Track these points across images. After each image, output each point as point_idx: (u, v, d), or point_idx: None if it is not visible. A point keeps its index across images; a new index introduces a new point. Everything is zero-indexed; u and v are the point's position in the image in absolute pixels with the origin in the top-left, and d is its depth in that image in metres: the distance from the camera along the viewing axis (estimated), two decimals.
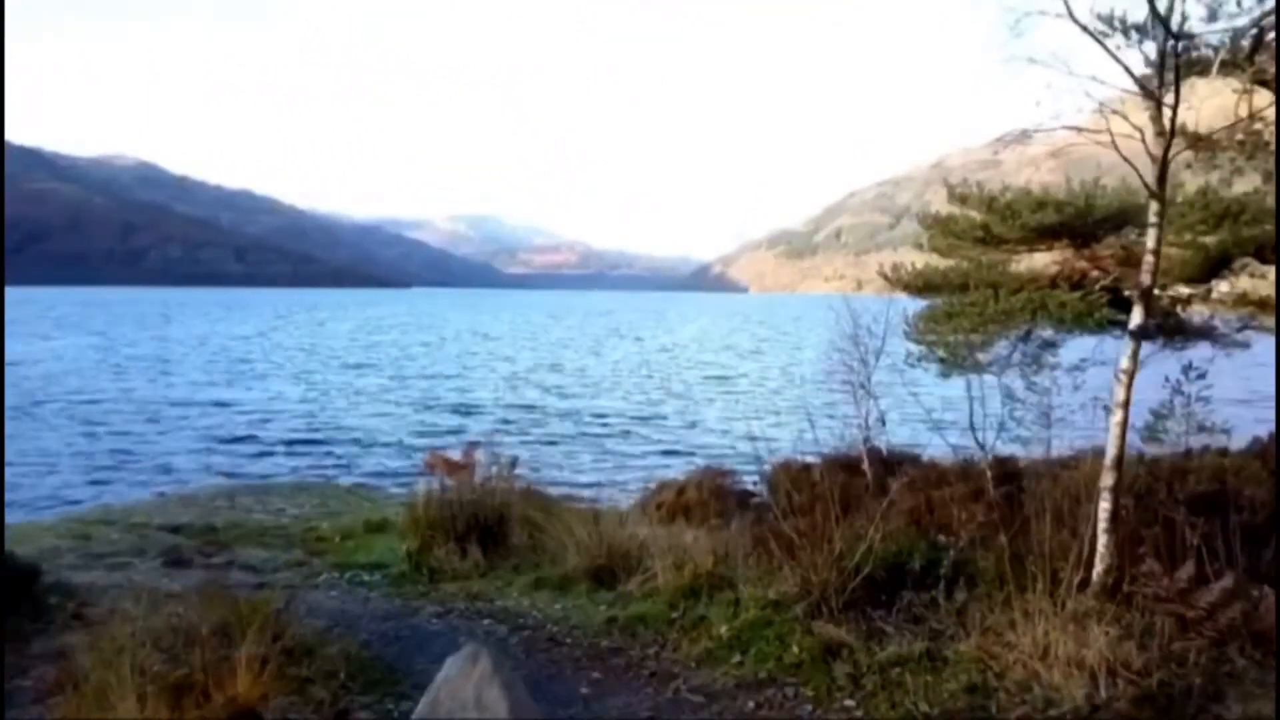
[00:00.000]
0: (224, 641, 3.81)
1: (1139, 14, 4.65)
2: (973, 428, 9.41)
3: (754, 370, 39.19)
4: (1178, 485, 6.77)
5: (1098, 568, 4.39)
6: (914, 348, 9.77)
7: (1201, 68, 4.89)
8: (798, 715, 3.68)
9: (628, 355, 48.75)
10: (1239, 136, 5.70)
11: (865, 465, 9.94)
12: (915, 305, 9.93)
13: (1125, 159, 4.40)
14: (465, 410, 25.51)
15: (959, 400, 11.46)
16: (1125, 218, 8.81)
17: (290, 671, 3.75)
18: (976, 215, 9.26)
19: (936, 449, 11.40)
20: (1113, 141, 4.33)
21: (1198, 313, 9.36)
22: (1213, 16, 4.88)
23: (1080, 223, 8.83)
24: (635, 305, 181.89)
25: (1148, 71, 4.73)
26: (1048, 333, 9.36)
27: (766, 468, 9.98)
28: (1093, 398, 8.76)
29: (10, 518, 8.97)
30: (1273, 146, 5.23)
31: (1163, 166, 4.40)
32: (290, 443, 19.09)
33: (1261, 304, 8.80)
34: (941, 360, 9.53)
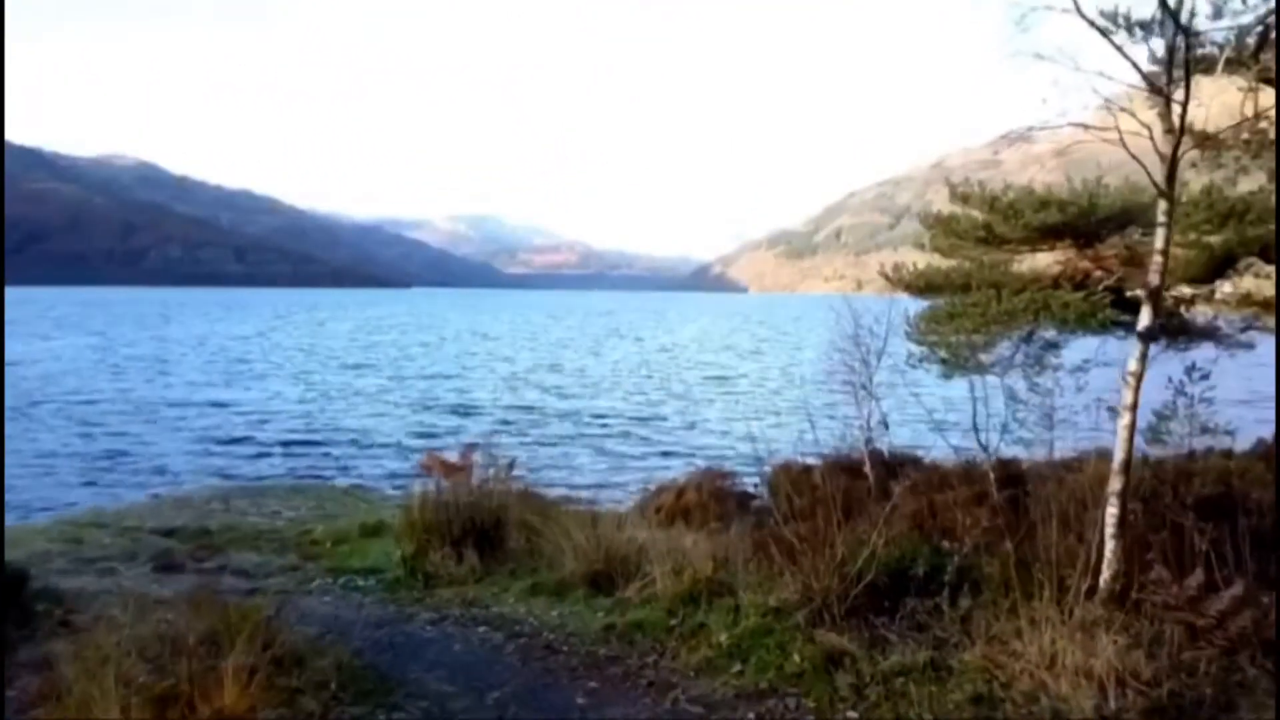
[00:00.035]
0: (212, 650, 3.72)
1: (1143, 10, 4.58)
2: (975, 429, 9.34)
3: (754, 371, 39.11)
4: (1183, 488, 6.68)
5: (1105, 574, 4.31)
6: (915, 348, 9.70)
7: (1207, 65, 4.81)
8: None
9: (627, 355, 48.67)
10: (1244, 135, 5.63)
11: (867, 468, 9.86)
12: (916, 305, 9.85)
13: (1134, 156, 4.32)
14: (464, 411, 25.42)
15: (961, 401, 11.39)
16: (1129, 217, 8.73)
17: (280, 682, 3.66)
18: (978, 215, 9.18)
19: (939, 451, 11.32)
20: (1120, 139, 4.24)
21: (1201, 313, 9.29)
22: (1218, 14, 4.80)
23: (1083, 222, 8.75)
24: (635, 305, 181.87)
25: (1154, 68, 4.65)
26: (1050, 333, 9.28)
27: (767, 469, 9.91)
28: (1096, 399, 8.69)
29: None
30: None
31: (1172, 165, 4.32)
32: (287, 444, 18.99)
33: (1265, 304, 8.72)
34: (943, 361, 9.45)
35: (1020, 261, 9.44)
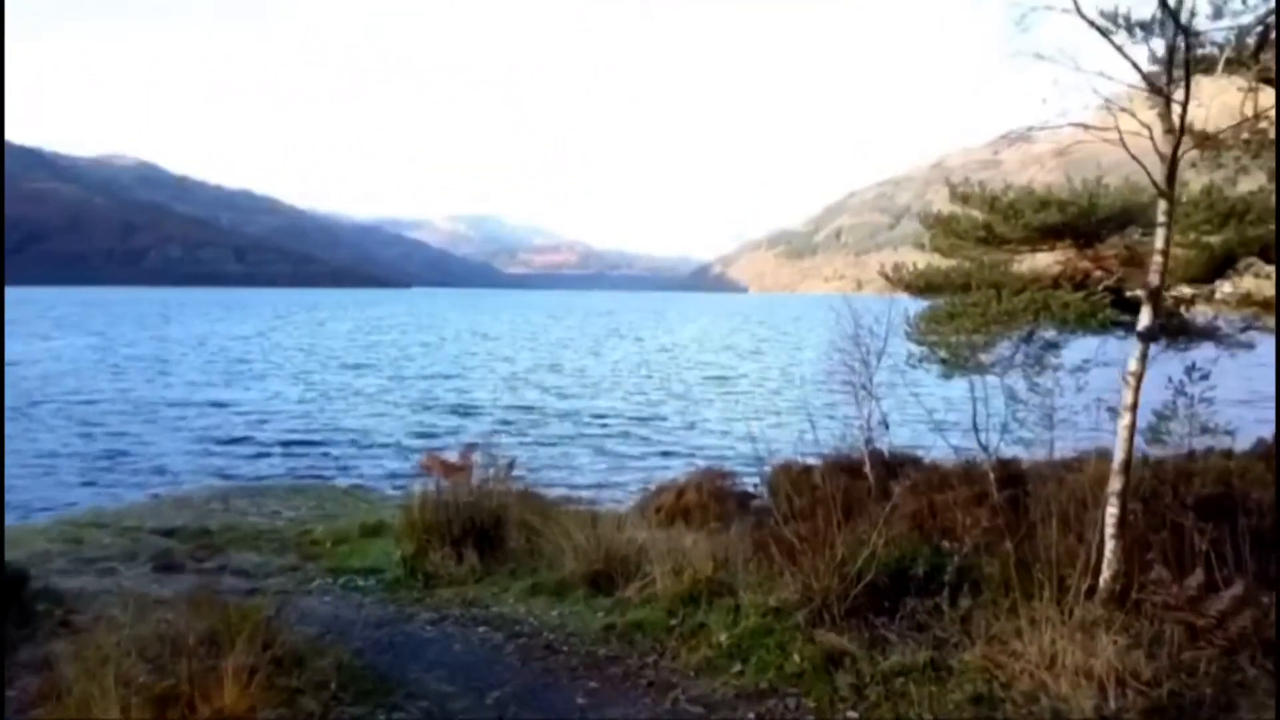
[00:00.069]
0: (212, 651, 3.71)
1: (1143, 11, 4.58)
2: (976, 429, 9.34)
3: (754, 371, 39.11)
4: (1183, 488, 6.68)
5: (1105, 574, 4.31)
6: (915, 348, 9.70)
7: (1207, 65, 4.81)
8: None
9: (627, 355, 48.66)
10: (1244, 135, 5.63)
11: (867, 468, 9.86)
12: (916, 305, 9.85)
13: (1134, 156, 4.31)
14: (464, 411, 25.42)
15: (961, 401, 11.39)
16: (1129, 217, 8.73)
17: (279, 682, 3.65)
18: (979, 215, 9.18)
19: (939, 451, 11.31)
20: (1121, 139, 4.24)
21: (1201, 313, 9.29)
22: (1218, 14, 4.80)
23: (1083, 222, 8.76)
24: (635, 305, 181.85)
25: (1154, 69, 4.65)
26: (1050, 333, 9.29)
27: (767, 469, 9.91)
28: (1096, 399, 8.69)
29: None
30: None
31: (1172, 165, 4.32)
32: (287, 444, 18.98)
33: (1266, 304, 8.72)
34: (943, 361, 9.45)
35: (1020, 261, 9.44)
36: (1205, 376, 9.14)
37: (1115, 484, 4.38)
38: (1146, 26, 4.72)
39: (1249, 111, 4.93)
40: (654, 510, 9.77)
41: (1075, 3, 4.24)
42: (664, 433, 21.66)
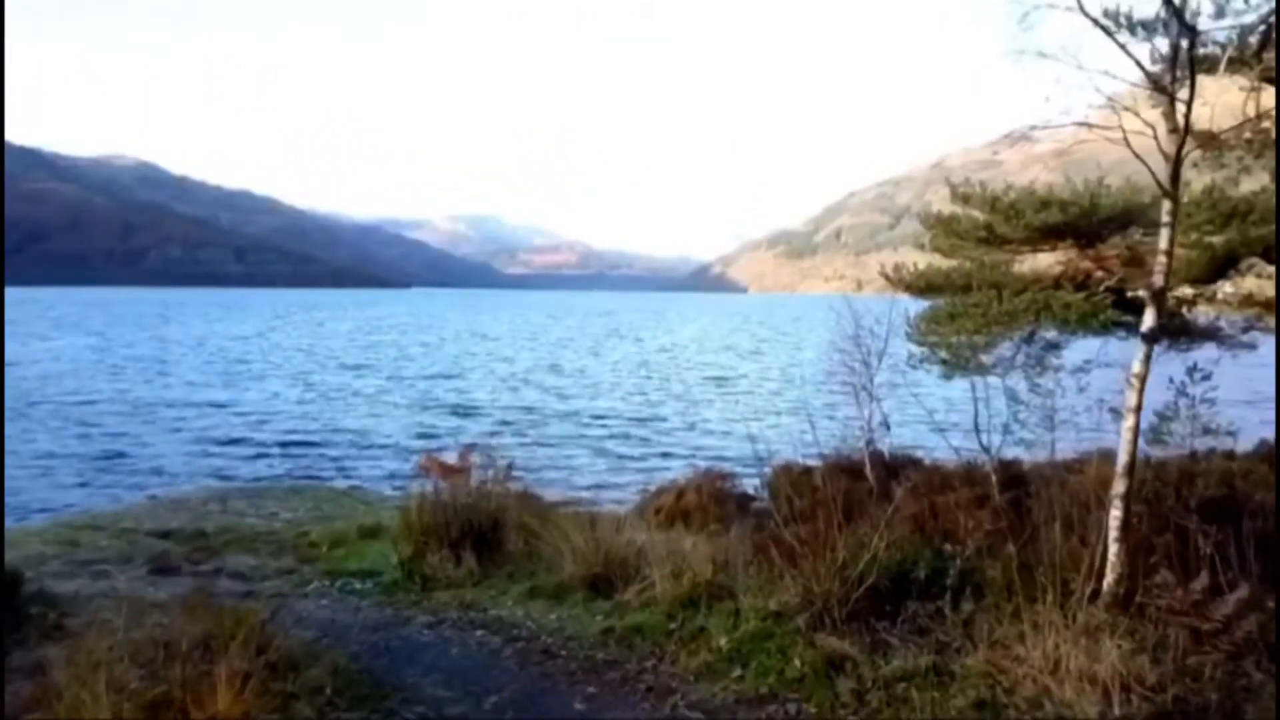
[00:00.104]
0: (206, 655, 3.67)
1: (1144, 10, 4.54)
2: (977, 430, 9.31)
3: (754, 371, 39.08)
4: (1186, 490, 6.64)
5: (1108, 578, 4.26)
6: (916, 349, 9.67)
7: (1209, 65, 4.78)
8: None
9: (627, 356, 48.64)
10: (1246, 135, 5.59)
11: (868, 469, 9.82)
12: (917, 306, 9.83)
13: (1137, 156, 4.27)
14: (463, 412, 25.38)
15: (961, 402, 11.35)
16: (1130, 217, 8.70)
17: (274, 687, 3.60)
18: (979, 215, 9.15)
19: (939, 451, 11.28)
20: (1125, 138, 4.20)
21: (1202, 313, 9.26)
22: (1220, 13, 4.76)
23: (1085, 222, 8.73)
24: (635, 305, 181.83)
25: (1157, 67, 4.61)
26: (1052, 334, 9.26)
27: (767, 471, 9.87)
28: (1098, 400, 8.66)
29: None
30: None
31: (1176, 164, 4.27)
32: (286, 444, 18.94)
33: (1267, 305, 8.69)
34: (944, 362, 9.42)
35: (1021, 262, 9.41)
36: (1207, 377, 9.12)
37: (1119, 486, 4.34)
38: (1149, 25, 4.69)
39: (1251, 111, 4.89)
40: (653, 512, 9.73)
41: (1079, 1, 4.20)
42: (664, 433, 21.62)
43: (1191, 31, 4.21)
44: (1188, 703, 3.48)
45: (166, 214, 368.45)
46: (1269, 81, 4.86)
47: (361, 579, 6.07)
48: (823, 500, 4.86)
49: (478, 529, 6.18)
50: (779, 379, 34.42)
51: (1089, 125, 4.39)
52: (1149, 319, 4.43)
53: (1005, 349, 9.23)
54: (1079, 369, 9.27)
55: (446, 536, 6.08)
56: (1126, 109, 4.33)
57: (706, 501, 10.01)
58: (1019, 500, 6.74)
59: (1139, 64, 4.33)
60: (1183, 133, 4.21)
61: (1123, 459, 4.36)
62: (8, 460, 15.23)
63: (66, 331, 60.01)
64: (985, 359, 9.18)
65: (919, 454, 11.68)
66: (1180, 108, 4.20)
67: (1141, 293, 7.42)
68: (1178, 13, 4.17)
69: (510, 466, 7.73)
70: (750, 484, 11.16)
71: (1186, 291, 8.87)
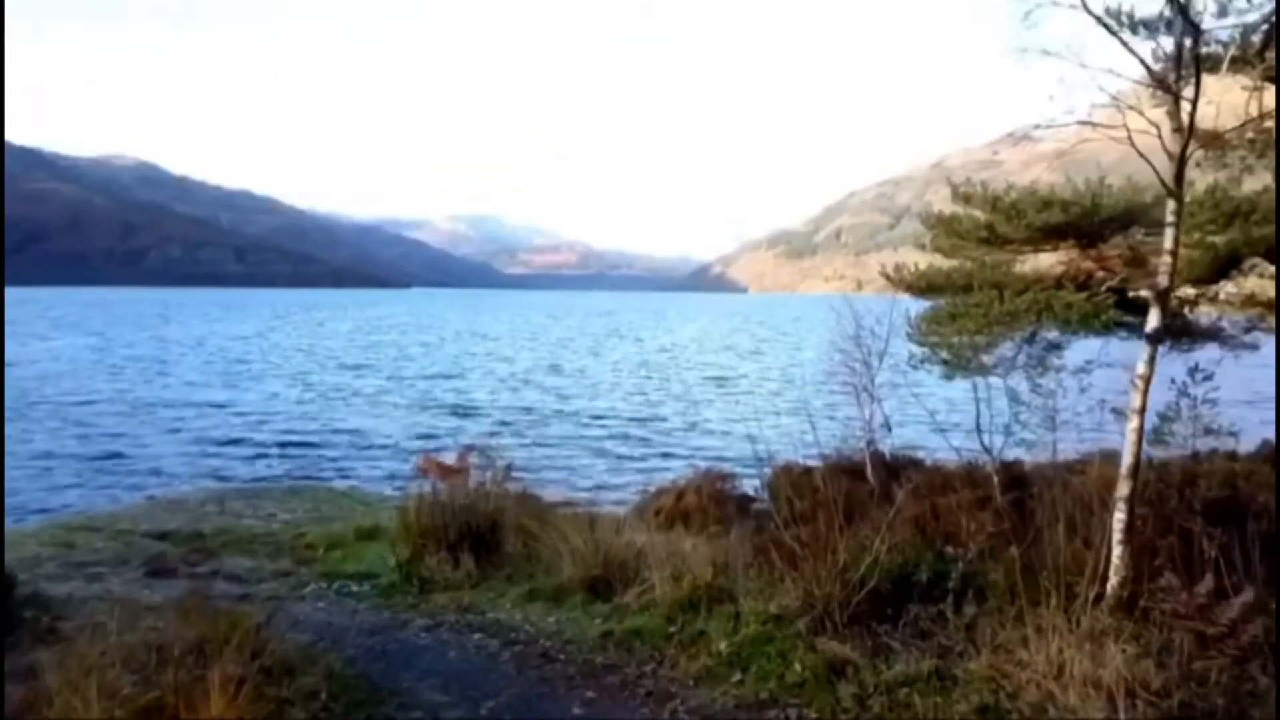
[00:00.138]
0: (200, 660, 3.62)
1: (1145, 9, 4.50)
2: (979, 431, 9.27)
3: (754, 371, 39.04)
4: (1189, 492, 6.60)
5: (1112, 581, 4.22)
6: (917, 349, 9.63)
7: (1212, 64, 4.73)
8: None
9: (627, 356, 48.59)
10: (1249, 134, 5.55)
11: (868, 470, 9.78)
12: (917, 306, 9.79)
13: (1141, 155, 4.23)
14: (463, 412, 25.33)
15: (962, 402, 11.31)
16: (1132, 217, 8.67)
17: (268, 692, 3.56)
18: (981, 215, 9.12)
19: (940, 452, 11.24)
20: (1129, 137, 4.16)
21: (1204, 314, 9.22)
22: (1223, 12, 4.72)
23: (1086, 222, 8.69)
24: (635, 305, 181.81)
25: (1159, 67, 4.57)
26: (1053, 334, 9.22)
27: (767, 471, 9.82)
28: (1100, 400, 8.62)
29: None
30: None
31: (1180, 164, 4.23)
32: (285, 445, 18.89)
33: (1269, 305, 8.65)
34: (945, 362, 9.38)
35: (1023, 262, 9.38)
36: (1209, 377, 9.08)
37: (1123, 489, 4.30)
38: (1151, 24, 4.64)
39: (1254, 110, 4.85)
40: (653, 513, 9.69)
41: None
42: (664, 434, 21.58)
43: (1196, 30, 4.17)
44: (1193, 708, 3.44)
45: (166, 214, 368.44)
46: (1271, 81, 4.82)
47: (359, 581, 6.04)
48: (823, 502, 4.82)
49: (476, 531, 6.14)
50: (779, 379, 34.39)
51: (1092, 124, 4.34)
52: (1153, 319, 4.38)
53: (1006, 349, 9.20)
54: (1080, 369, 9.24)
55: (445, 538, 6.05)
56: (1130, 108, 4.29)
57: (706, 503, 9.97)
58: (1021, 502, 6.70)
59: (1143, 62, 4.28)
60: (1187, 132, 4.17)
61: (1127, 461, 4.31)
62: (6, 460, 15.17)
63: (66, 331, 59.97)
64: (986, 359, 9.14)
65: (920, 454, 11.64)
66: (1185, 106, 4.16)
67: (1145, 293, 7.39)
68: (1183, 10, 4.13)
69: (509, 467, 7.70)
70: (750, 485, 11.12)
71: (1188, 292, 8.83)
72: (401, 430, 21.47)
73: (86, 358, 39.97)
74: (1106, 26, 4.31)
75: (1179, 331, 8.91)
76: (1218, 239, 8.24)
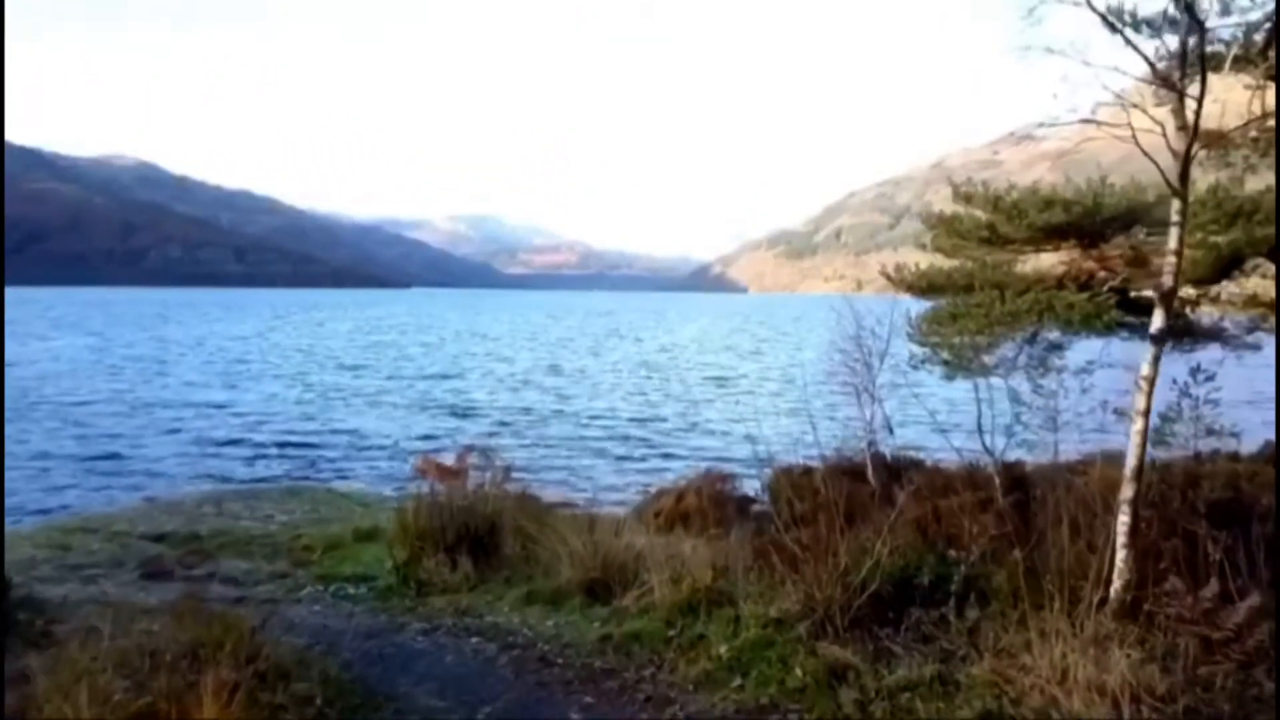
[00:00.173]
0: (193, 665, 3.58)
1: (1147, 7, 4.46)
2: (980, 432, 9.22)
3: (754, 371, 38.99)
4: (1192, 493, 6.55)
5: (1116, 584, 4.18)
6: (917, 349, 9.58)
7: (1215, 63, 4.69)
8: None
9: (627, 356, 48.54)
10: (1252, 134, 5.51)
11: (869, 471, 9.73)
12: (918, 306, 9.74)
13: (1146, 154, 4.19)
14: (462, 412, 25.28)
15: (963, 403, 11.27)
16: (1134, 217, 8.62)
17: (263, 698, 3.52)
18: (982, 215, 9.07)
19: (941, 453, 11.19)
20: (1133, 136, 4.11)
21: (1206, 314, 9.18)
22: (1226, 10, 4.68)
23: (1088, 222, 8.65)
24: (635, 305, 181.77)
25: (1163, 65, 4.53)
26: (1054, 335, 9.18)
27: (767, 472, 9.76)
28: (1102, 401, 8.58)
29: None
30: None
31: (1185, 163, 4.19)
32: (283, 445, 18.82)
33: (1271, 305, 8.61)
34: (946, 363, 9.33)
35: (1024, 262, 9.33)
36: (1211, 378, 9.03)
37: (1127, 491, 4.25)
38: (1154, 23, 4.60)
39: (1256, 109, 4.81)
40: (653, 515, 9.65)
41: None
42: (664, 434, 21.53)
43: (1201, 27, 4.12)
44: (1199, 713, 3.41)
45: (166, 214, 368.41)
46: (1273, 80, 4.78)
47: (356, 584, 6.00)
48: (824, 503, 4.79)
49: (474, 533, 6.10)
50: (779, 379, 34.32)
51: (1096, 122, 4.30)
52: (1158, 320, 4.34)
53: (1008, 349, 9.15)
54: (1082, 370, 9.19)
55: (442, 540, 6.01)
56: (1134, 106, 4.24)
57: (706, 504, 9.92)
58: (1023, 503, 6.66)
59: (1147, 60, 4.24)
60: (1192, 130, 4.13)
61: (1131, 463, 4.27)
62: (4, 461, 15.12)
63: (65, 331, 59.92)
64: (988, 359, 9.09)
65: (921, 455, 11.59)
66: (1190, 105, 4.12)
67: (1149, 293, 7.35)
68: (1189, 8, 4.09)
69: (508, 468, 7.65)
70: (751, 485, 11.07)
71: (1190, 292, 8.79)
72: (401, 431, 21.42)
73: (85, 358, 39.92)
74: (1110, 24, 4.26)
75: (1181, 332, 8.87)
76: (1220, 239, 8.20)
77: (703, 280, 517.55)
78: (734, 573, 4.94)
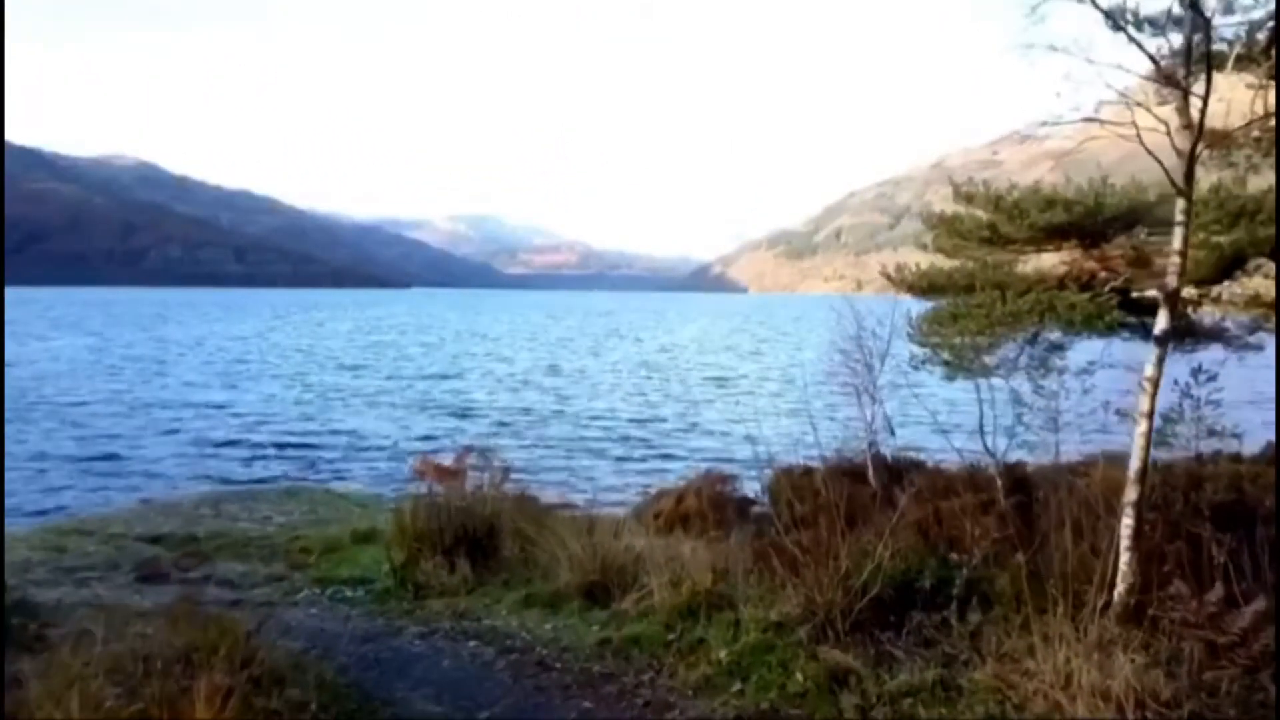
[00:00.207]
0: (187, 669, 3.54)
1: (1150, 6, 4.43)
2: (982, 433, 9.18)
3: (754, 371, 38.95)
4: (1195, 495, 6.50)
5: (1120, 588, 4.14)
6: (918, 350, 9.55)
7: (1218, 61, 4.66)
8: None
9: (627, 356, 48.50)
10: (1255, 133, 5.47)
11: (870, 473, 9.69)
12: (918, 306, 9.71)
13: (1150, 153, 4.15)
14: (462, 413, 25.24)
15: (964, 403, 11.23)
16: (1135, 217, 8.59)
17: (257, 703, 3.47)
18: (983, 215, 9.04)
19: (942, 454, 11.15)
20: (1138, 135, 4.07)
21: (1208, 314, 9.14)
22: (1229, 9, 4.65)
23: (1089, 222, 8.61)
24: (635, 305, 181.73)
25: (1167, 63, 4.49)
26: (1055, 335, 9.14)
27: (768, 473, 9.71)
28: (1104, 402, 8.54)
29: None
30: None
31: (1190, 162, 4.15)
32: (282, 446, 18.78)
33: (1273, 306, 8.57)
34: (947, 363, 9.30)
35: (1025, 262, 9.30)
36: (1212, 378, 8.99)
37: (1131, 493, 4.21)
38: (1156, 21, 4.56)
39: (1259, 109, 4.77)
40: (652, 516, 9.61)
41: None
42: (663, 435, 21.49)
43: (1207, 25, 4.09)
44: (1204, 719, 3.36)
45: (166, 214, 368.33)
46: (1274, 79, 4.75)
47: (353, 586, 5.95)
48: (824, 505, 4.74)
49: (472, 534, 6.06)
50: (779, 380, 34.28)
51: (1099, 121, 4.26)
52: (1162, 321, 4.30)
53: (1009, 350, 9.11)
54: (1083, 370, 9.15)
55: (440, 542, 5.96)
56: (1139, 104, 4.20)
57: (706, 506, 9.87)
58: (1025, 505, 6.61)
59: (1151, 58, 4.20)
60: (1197, 129, 4.09)
61: (1135, 465, 4.23)
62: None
63: (65, 331, 59.87)
64: (989, 360, 9.05)
65: (922, 456, 11.55)
66: (1194, 103, 4.07)
67: (1152, 293, 7.31)
68: (1194, 4, 4.05)
69: (507, 469, 7.61)
70: (751, 487, 11.02)
71: (1192, 292, 8.75)
72: (400, 431, 21.38)
73: (85, 358, 39.88)
74: (1115, 22, 4.22)
75: (1182, 332, 8.83)
76: (1223, 239, 8.16)
77: (703, 280, 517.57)
78: (734, 575, 4.90)
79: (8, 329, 47.25)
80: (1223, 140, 5.03)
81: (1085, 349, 9.39)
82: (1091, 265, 8.95)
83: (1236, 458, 9.46)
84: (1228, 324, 9.04)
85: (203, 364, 38.76)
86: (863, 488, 8.79)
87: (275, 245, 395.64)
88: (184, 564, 6.55)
